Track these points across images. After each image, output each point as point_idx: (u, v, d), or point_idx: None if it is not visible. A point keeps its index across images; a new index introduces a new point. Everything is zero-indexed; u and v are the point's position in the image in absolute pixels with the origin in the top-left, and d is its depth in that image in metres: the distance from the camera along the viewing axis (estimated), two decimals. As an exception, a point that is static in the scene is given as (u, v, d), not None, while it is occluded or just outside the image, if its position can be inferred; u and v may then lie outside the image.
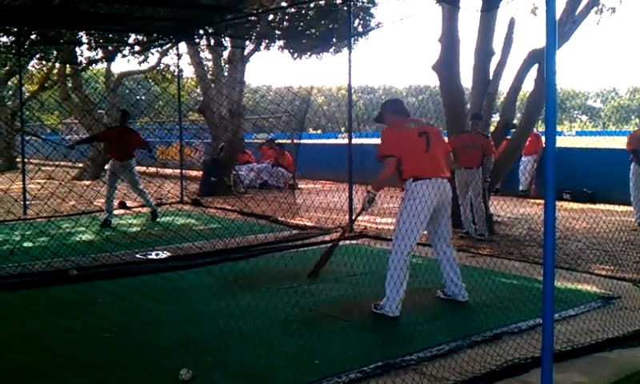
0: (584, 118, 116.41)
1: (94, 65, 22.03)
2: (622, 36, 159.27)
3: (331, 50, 18.50)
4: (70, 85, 22.53)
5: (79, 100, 22.16)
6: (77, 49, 19.77)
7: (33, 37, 16.43)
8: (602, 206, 12.82)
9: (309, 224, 10.96)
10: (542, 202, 3.75)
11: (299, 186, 17.48)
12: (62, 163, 17.33)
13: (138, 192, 11.36)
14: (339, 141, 25.15)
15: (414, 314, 5.74)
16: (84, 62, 20.83)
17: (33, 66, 23.49)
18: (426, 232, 6.07)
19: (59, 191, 12.08)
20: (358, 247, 8.65)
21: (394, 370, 4.33)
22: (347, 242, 9.30)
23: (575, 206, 12.85)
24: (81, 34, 17.35)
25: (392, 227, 7.69)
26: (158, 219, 11.39)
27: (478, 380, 4.15)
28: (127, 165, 10.98)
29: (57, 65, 21.99)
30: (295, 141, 18.34)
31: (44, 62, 22.57)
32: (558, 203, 10.46)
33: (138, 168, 11.38)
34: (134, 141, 11.12)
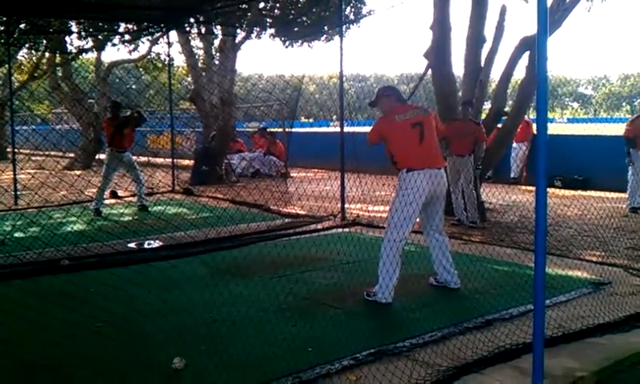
0: (575, 104, 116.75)
1: (83, 54, 21.92)
2: (612, 23, 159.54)
3: (323, 38, 18.45)
4: (59, 74, 22.40)
5: (69, 89, 22.05)
6: (66, 38, 19.65)
7: (22, 26, 16.29)
8: (593, 193, 12.89)
9: (301, 212, 10.96)
10: (533, 188, 3.77)
11: (291, 175, 17.48)
12: (53, 153, 17.29)
13: (137, 182, 11.35)
14: (331, 129, 25.19)
15: (406, 300, 5.76)
16: (74, 51, 20.71)
17: (22, 56, 23.34)
18: (418, 219, 6.09)
19: (50, 181, 12.04)
20: (351, 235, 8.66)
21: (386, 356, 4.35)
22: (340, 229, 9.33)
23: (566, 192, 12.91)
24: (71, 22, 17.24)
25: (384, 215, 7.71)
26: (149, 209, 11.37)
27: (470, 366, 4.17)
28: (124, 154, 11.03)
29: (46, 54, 21.84)
30: (287, 129, 18.33)
31: (33, 52, 22.41)
32: (550, 190, 10.51)
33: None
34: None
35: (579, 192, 13.04)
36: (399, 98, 6.20)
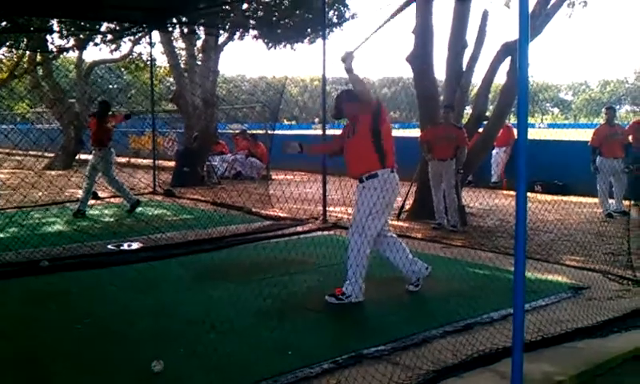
0: (556, 110, 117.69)
1: (65, 53, 21.73)
2: (593, 30, 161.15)
3: (306, 40, 18.42)
4: (40, 73, 22.19)
5: (50, 88, 21.85)
6: (48, 36, 19.46)
7: (2, 24, 16.12)
8: (573, 198, 12.98)
9: (282, 215, 10.94)
10: (513, 193, 3.78)
11: (273, 177, 17.44)
12: (32, 152, 17.13)
13: (108, 182, 11.22)
14: (313, 131, 25.18)
15: (387, 304, 5.76)
16: (55, 50, 20.52)
17: (2, 54, 23.09)
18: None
19: (29, 180, 11.92)
20: (331, 238, 8.66)
21: (366, 360, 4.34)
22: (321, 232, 9.32)
23: (547, 197, 12.99)
24: (52, 21, 17.08)
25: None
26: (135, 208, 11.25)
27: (450, 370, 4.18)
28: (104, 153, 10.88)
29: (27, 52, 21.63)
30: (269, 131, 18.28)
31: (14, 50, 22.18)
32: (530, 195, 10.55)
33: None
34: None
35: (559, 197, 13.12)
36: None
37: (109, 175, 10.97)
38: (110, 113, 11.29)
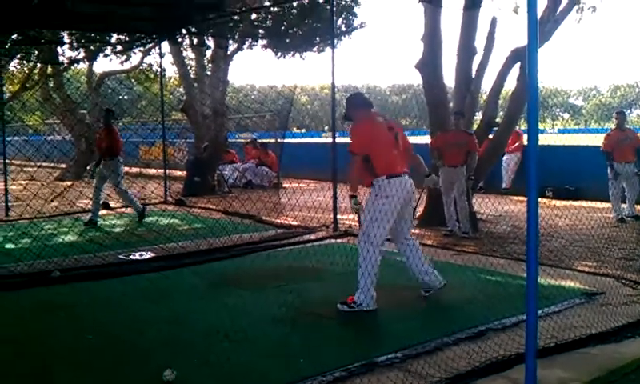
0: (566, 115, 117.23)
1: (75, 64, 21.88)
2: (602, 34, 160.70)
3: (314, 49, 18.49)
4: (51, 85, 22.35)
5: (61, 100, 22.00)
6: (58, 48, 19.61)
7: (14, 37, 16.26)
8: (584, 203, 12.93)
9: (294, 223, 10.95)
10: (524, 199, 3.78)
11: (283, 185, 17.47)
12: (44, 164, 17.24)
13: (116, 190, 11.26)
14: (323, 139, 25.23)
15: (399, 311, 5.75)
16: (66, 61, 20.67)
17: (14, 66, 23.27)
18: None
19: (42, 192, 12.00)
20: (343, 246, 8.66)
21: (378, 367, 4.34)
22: (332, 240, 9.32)
23: (558, 203, 12.94)
24: (62, 33, 17.21)
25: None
26: (145, 216, 11.30)
27: (463, 377, 4.17)
28: (108, 164, 10.92)
29: (38, 64, 21.80)
30: (279, 140, 18.33)
31: (25, 62, 22.37)
32: (541, 200, 10.55)
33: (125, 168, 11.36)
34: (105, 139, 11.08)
35: (570, 202, 13.08)
36: (370, 104, 6.21)
37: (119, 185, 11.03)
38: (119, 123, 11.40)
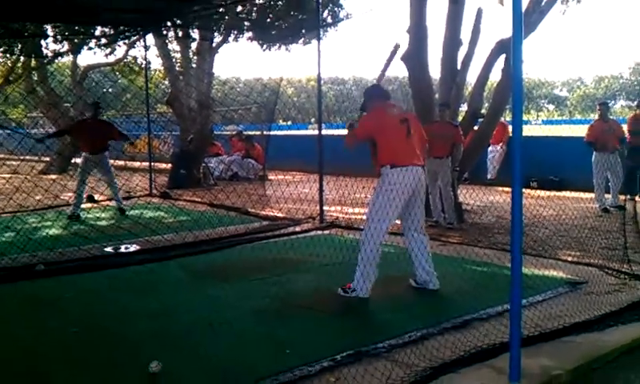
0: (551, 107, 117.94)
1: (59, 58, 21.70)
2: (587, 26, 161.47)
3: (300, 41, 18.44)
4: (35, 78, 22.16)
5: (45, 93, 21.83)
6: (42, 41, 19.44)
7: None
8: (568, 193, 13.03)
9: (279, 215, 10.95)
10: (509, 189, 3.80)
11: (269, 178, 17.46)
12: (28, 157, 17.11)
13: (110, 184, 11.28)
14: (309, 132, 25.19)
15: (385, 301, 5.77)
16: (49, 54, 20.50)
17: (-3, 59, 23.05)
18: (399, 221, 6.11)
19: (25, 186, 11.91)
20: (329, 237, 8.67)
21: (365, 357, 4.35)
22: (318, 232, 9.33)
23: (542, 193, 13.02)
24: (46, 26, 17.06)
25: (363, 217, 7.73)
26: (126, 212, 11.28)
27: (448, 366, 4.19)
28: (101, 158, 10.93)
29: (21, 58, 21.60)
30: (265, 132, 18.29)
31: (8, 55, 22.15)
32: (525, 191, 10.61)
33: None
34: (108, 133, 11.13)
35: (555, 193, 13.16)
36: (386, 96, 6.24)
37: (114, 182, 11.20)
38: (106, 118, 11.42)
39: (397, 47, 6.69)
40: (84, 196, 11.34)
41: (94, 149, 10.89)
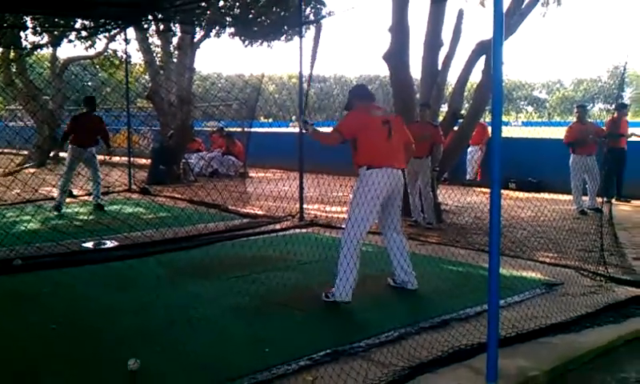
0: (530, 108, 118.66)
1: (39, 50, 21.46)
2: (567, 29, 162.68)
3: (282, 37, 18.40)
4: (14, 70, 21.90)
5: (23, 85, 21.59)
6: (21, 33, 19.21)
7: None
8: (546, 195, 13.12)
9: (259, 212, 10.94)
10: (488, 190, 3.83)
11: (250, 175, 17.43)
12: (6, 150, 16.92)
13: (95, 179, 11.21)
14: (290, 129, 25.14)
15: (363, 301, 5.78)
16: (29, 46, 20.26)
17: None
18: (377, 221, 6.12)
19: (2, 179, 11.78)
20: (308, 235, 8.67)
21: (342, 356, 4.36)
22: (298, 230, 9.33)
23: (521, 194, 13.13)
24: (25, 17, 16.86)
25: (342, 216, 7.74)
26: (105, 208, 11.20)
27: (425, 366, 4.21)
28: (90, 152, 10.94)
29: (0, 49, 21.33)
30: (246, 129, 18.24)
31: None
32: (504, 192, 10.68)
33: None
34: (99, 129, 11.27)
35: (533, 194, 13.27)
36: (371, 97, 6.24)
37: (99, 179, 11.28)
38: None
39: (319, 28, 6.73)
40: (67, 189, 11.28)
41: (85, 143, 10.86)
